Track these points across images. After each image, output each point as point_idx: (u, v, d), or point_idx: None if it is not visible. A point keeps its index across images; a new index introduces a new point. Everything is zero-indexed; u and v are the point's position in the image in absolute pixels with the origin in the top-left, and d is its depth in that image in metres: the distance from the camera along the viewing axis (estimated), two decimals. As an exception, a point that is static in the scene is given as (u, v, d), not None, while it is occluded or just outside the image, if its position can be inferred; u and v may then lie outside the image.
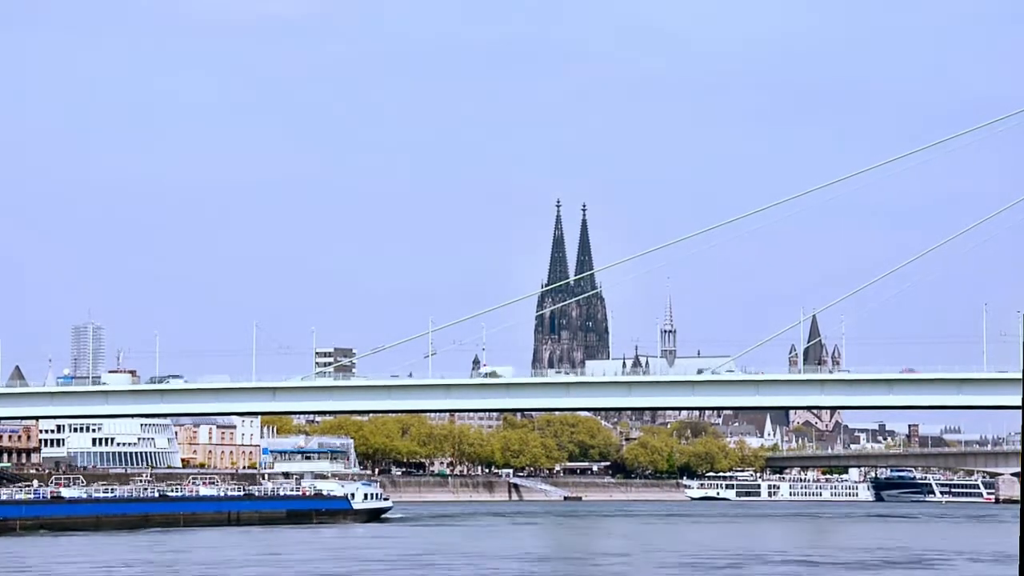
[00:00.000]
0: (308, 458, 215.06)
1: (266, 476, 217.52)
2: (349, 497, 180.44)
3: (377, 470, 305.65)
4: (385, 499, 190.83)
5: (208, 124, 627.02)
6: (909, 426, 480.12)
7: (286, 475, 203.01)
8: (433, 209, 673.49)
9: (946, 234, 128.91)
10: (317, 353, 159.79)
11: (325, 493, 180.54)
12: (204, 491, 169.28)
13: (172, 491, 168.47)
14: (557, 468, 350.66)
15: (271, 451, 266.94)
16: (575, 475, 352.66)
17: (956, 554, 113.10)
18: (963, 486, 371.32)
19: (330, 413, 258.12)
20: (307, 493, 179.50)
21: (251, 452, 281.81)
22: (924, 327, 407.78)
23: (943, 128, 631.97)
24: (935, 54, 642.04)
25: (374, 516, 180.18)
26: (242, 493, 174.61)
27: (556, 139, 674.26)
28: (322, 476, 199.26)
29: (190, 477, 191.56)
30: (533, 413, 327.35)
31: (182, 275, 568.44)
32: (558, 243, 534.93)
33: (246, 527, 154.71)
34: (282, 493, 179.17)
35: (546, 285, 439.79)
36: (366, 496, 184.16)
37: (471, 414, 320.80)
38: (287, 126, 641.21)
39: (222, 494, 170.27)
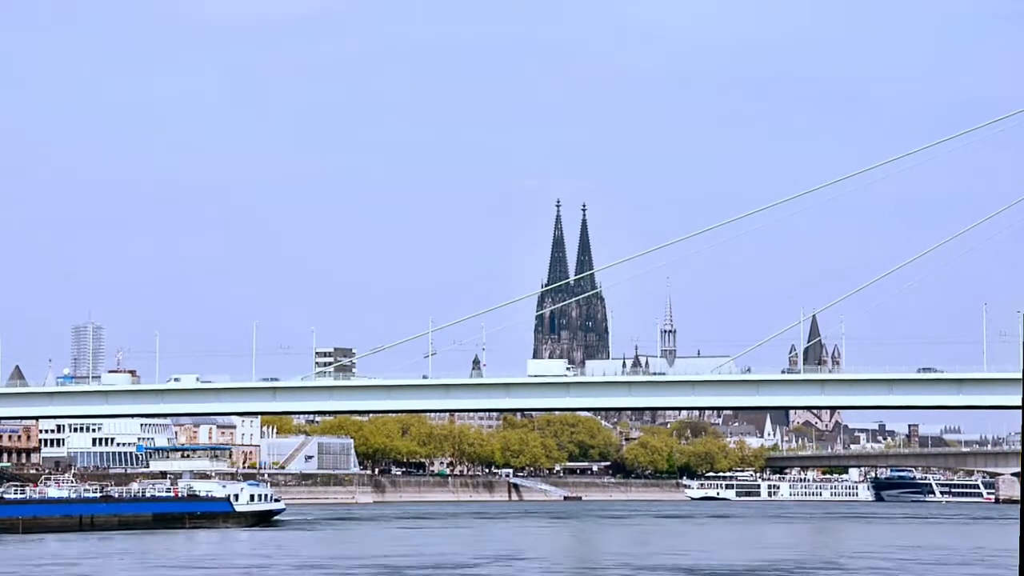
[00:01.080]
0: (186, 456, 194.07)
1: (137, 477, 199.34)
2: (231, 499, 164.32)
3: (377, 470, 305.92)
4: (276, 500, 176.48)
5: (208, 124, 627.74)
6: (909, 426, 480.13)
7: (163, 474, 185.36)
8: (433, 209, 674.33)
9: (946, 234, 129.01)
10: (317, 353, 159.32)
11: (202, 494, 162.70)
12: (52, 492, 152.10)
13: (10, 493, 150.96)
14: (557, 468, 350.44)
15: (144, 448, 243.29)
16: (575, 475, 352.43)
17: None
18: (963, 486, 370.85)
19: (330, 413, 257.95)
20: (180, 494, 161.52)
21: (251, 452, 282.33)
22: (924, 327, 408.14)
23: (943, 128, 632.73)
24: (935, 54, 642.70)
25: (262, 519, 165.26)
26: (99, 495, 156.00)
27: (556, 139, 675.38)
28: (204, 475, 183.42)
29: (41, 476, 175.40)
30: (533, 413, 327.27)
31: (182, 275, 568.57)
32: (558, 243, 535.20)
33: (102, 532, 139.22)
34: (149, 494, 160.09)
35: (546, 285, 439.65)
36: (252, 497, 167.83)
37: (471, 414, 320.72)
38: (287, 126, 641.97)
39: (73, 495, 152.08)
